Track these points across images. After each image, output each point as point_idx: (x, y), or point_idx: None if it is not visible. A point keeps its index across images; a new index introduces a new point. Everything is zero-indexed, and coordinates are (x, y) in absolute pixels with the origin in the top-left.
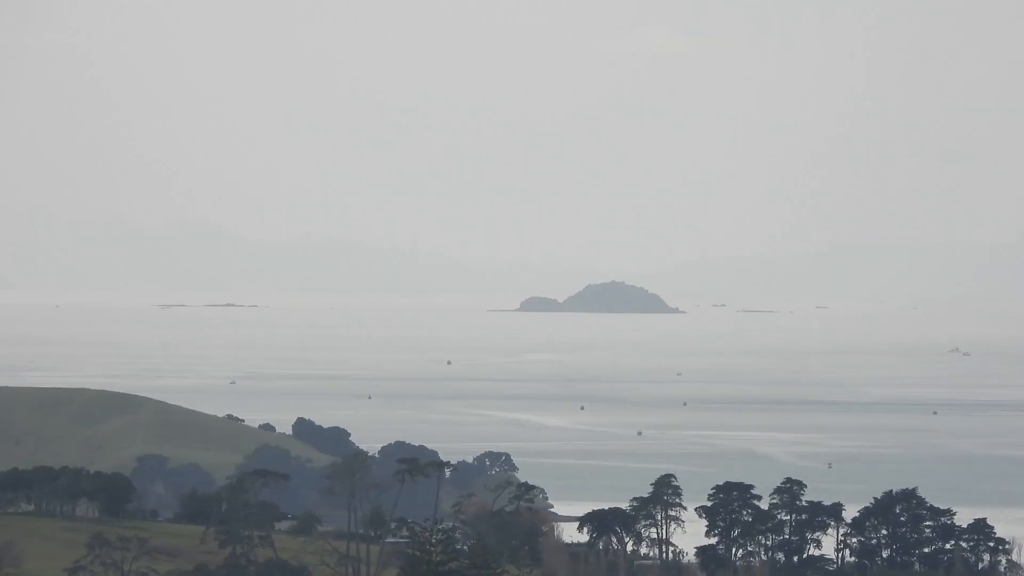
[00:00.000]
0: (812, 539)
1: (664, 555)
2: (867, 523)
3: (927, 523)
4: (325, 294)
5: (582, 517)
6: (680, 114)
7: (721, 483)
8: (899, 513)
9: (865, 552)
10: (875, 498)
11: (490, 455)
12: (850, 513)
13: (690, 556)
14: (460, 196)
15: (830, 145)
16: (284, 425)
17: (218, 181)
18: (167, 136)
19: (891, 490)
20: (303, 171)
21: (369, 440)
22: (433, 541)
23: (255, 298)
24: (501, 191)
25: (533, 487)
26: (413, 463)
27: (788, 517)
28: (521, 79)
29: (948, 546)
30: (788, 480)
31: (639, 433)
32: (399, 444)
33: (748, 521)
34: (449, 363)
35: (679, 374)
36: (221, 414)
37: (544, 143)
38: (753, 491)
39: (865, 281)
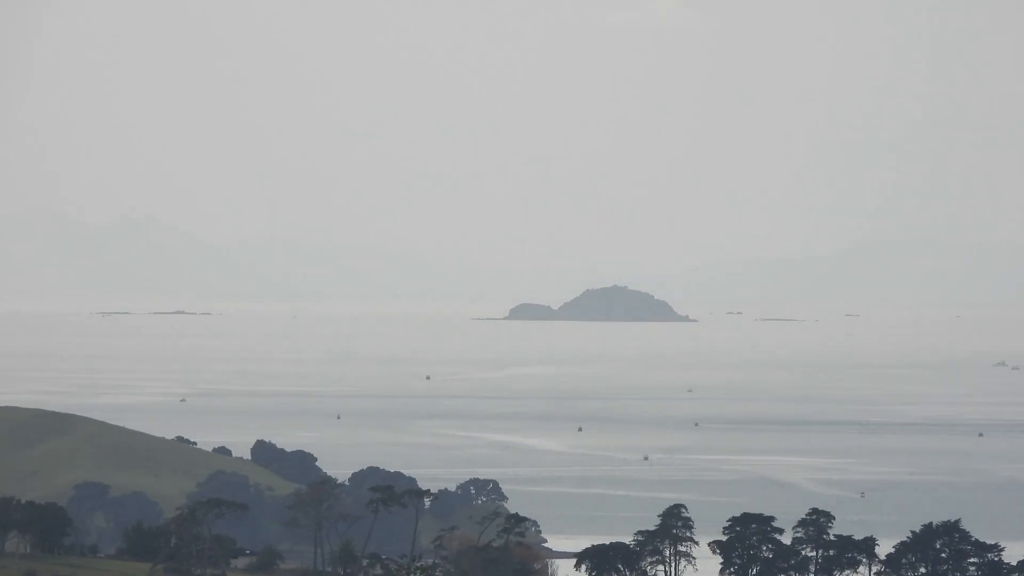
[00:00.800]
0: None
1: None
2: (904, 560)
3: (972, 560)
4: (287, 300)
5: (580, 553)
6: (690, 98)
7: (738, 514)
8: (940, 548)
9: None
10: (913, 531)
11: (475, 483)
12: (884, 548)
13: None
14: (442, 193)
15: (859, 133)
16: (242, 448)
17: (166, 173)
18: (111, 124)
19: (931, 522)
20: (267, 166)
21: (338, 465)
22: None
23: (208, 304)
24: (487, 187)
25: (524, 519)
26: (388, 492)
27: (814, 553)
28: (512, 64)
29: None
30: (814, 511)
31: (645, 458)
32: (372, 470)
33: (768, 557)
34: (428, 378)
35: (690, 390)
36: (170, 436)
37: (538, 134)
38: (774, 523)
39: (900, 286)
